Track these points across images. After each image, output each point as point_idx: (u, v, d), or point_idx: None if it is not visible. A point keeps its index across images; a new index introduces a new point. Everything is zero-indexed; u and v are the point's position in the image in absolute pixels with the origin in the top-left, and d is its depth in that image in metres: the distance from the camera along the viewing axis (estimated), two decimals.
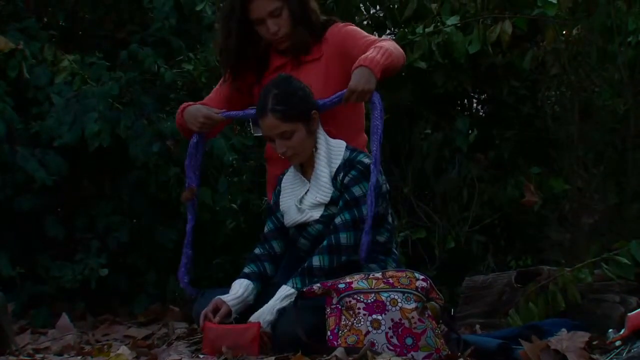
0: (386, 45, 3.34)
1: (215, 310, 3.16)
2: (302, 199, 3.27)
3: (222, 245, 5.25)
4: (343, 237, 3.16)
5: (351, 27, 3.56)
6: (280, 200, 3.36)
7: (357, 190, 3.19)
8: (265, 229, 3.40)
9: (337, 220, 3.18)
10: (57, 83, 4.61)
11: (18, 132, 4.57)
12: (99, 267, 4.53)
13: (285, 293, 3.10)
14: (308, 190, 3.27)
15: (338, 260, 3.14)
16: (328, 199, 3.22)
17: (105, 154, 4.61)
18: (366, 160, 3.23)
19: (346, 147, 3.29)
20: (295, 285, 3.10)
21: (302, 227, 3.27)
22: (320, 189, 3.23)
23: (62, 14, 5.30)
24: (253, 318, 3.09)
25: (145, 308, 4.71)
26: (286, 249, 3.38)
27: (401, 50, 3.45)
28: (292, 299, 3.06)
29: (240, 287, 3.23)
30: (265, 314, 3.09)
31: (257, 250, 3.36)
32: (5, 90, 4.54)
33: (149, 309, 4.67)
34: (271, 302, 3.11)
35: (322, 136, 3.28)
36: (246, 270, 3.31)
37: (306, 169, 3.32)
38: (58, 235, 4.66)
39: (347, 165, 3.23)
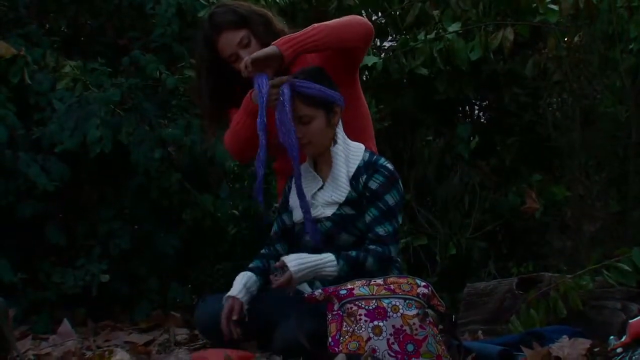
0: (321, 24, 3.30)
1: (231, 311, 3.17)
2: (314, 195, 3.27)
3: (224, 252, 5.25)
4: (393, 250, 3.18)
5: None
6: (290, 196, 3.35)
7: (390, 200, 3.19)
8: (272, 231, 3.41)
9: (381, 231, 3.17)
10: (59, 89, 4.61)
11: (20, 138, 4.57)
12: (100, 273, 4.53)
13: (330, 267, 3.10)
14: (322, 187, 3.26)
15: (384, 272, 3.14)
16: (343, 198, 3.21)
17: (106, 160, 4.60)
18: (389, 165, 3.24)
19: (365, 149, 3.29)
20: (341, 269, 3.10)
21: None
22: (338, 188, 3.21)
23: (64, 20, 5.31)
24: (287, 260, 3.09)
25: (147, 314, 4.70)
26: (290, 251, 3.38)
27: (353, 21, 3.37)
28: (331, 274, 3.08)
29: (242, 278, 3.25)
30: (300, 261, 3.09)
31: (263, 251, 3.39)
32: (7, 96, 4.54)
33: (150, 315, 4.66)
34: (313, 257, 3.11)
35: (341, 135, 3.27)
36: (250, 265, 3.33)
37: (320, 166, 3.30)
38: (59, 241, 4.66)
39: (369, 167, 3.22)
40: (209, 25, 3.48)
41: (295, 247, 3.35)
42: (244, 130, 3.38)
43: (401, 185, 3.26)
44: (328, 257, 3.12)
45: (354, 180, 3.21)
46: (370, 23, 3.47)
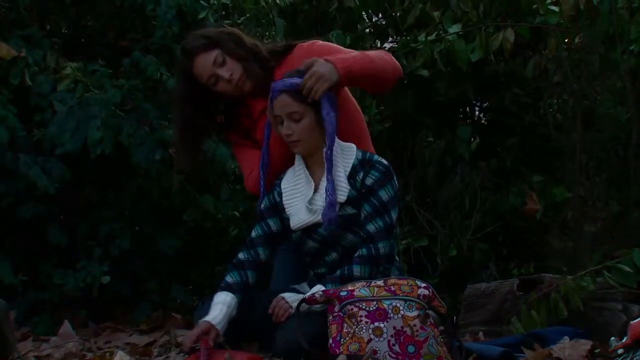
0: (372, 55, 3.34)
1: (206, 333, 3.12)
2: (311, 200, 3.24)
3: (224, 253, 5.25)
4: (381, 247, 3.15)
5: (320, 43, 3.53)
6: (285, 202, 3.32)
7: (384, 195, 3.18)
8: (253, 234, 3.34)
9: (371, 228, 3.16)
10: (59, 90, 4.60)
11: (20, 140, 4.57)
12: (101, 274, 4.53)
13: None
14: (318, 189, 3.25)
15: (377, 271, 3.14)
16: (345, 197, 3.20)
17: (107, 161, 4.60)
18: (384, 161, 3.23)
19: (357, 148, 3.28)
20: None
21: (311, 228, 3.25)
22: (338, 188, 3.19)
23: (65, 22, 5.31)
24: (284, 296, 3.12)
25: (147, 315, 4.70)
26: (272, 257, 3.35)
27: (392, 62, 3.41)
28: None
29: (224, 306, 3.17)
30: (294, 300, 3.10)
31: (241, 256, 3.30)
32: (8, 97, 4.54)
33: (151, 317, 4.67)
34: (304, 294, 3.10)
35: None
36: (229, 279, 3.24)
37: (313, 168, 3.29)
38: (60, 243, 4.66)
39: (364, 164, 3.21)
40: (182, 55, 3.49)
41: (297, 254, 3.34)
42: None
43: (396, 181, 3.25)
44: (316, 288, 3.11)
45: (351, 178, 3.20)
46: (400, 67, 3.49)
